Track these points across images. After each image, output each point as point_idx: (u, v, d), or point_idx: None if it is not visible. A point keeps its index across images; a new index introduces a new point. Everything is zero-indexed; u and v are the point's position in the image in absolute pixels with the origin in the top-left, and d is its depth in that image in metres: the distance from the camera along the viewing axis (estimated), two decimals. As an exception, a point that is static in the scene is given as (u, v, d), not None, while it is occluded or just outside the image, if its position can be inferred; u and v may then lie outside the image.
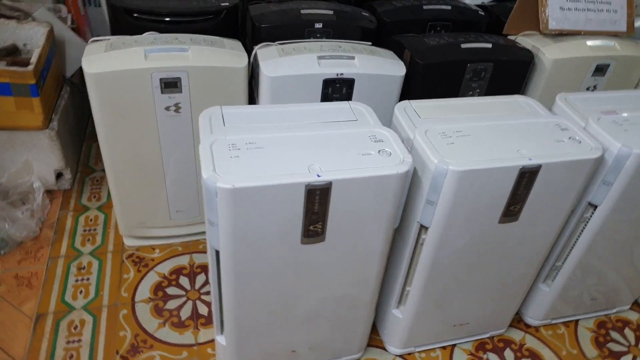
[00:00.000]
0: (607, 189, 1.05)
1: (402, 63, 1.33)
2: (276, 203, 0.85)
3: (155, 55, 1.17)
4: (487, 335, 1.35)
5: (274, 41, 1.33)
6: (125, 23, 1.36)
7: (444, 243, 1.02)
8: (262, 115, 1.02)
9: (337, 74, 1.24)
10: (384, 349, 1.30)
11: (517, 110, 1.13)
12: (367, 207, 0.91)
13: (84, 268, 1.41)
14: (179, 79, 1.19)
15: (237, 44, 1.32)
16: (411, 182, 0.96)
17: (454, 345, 1.33)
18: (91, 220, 1.58)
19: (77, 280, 1.37)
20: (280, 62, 1.23)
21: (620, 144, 0.99)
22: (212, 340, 1.26)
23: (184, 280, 1.41)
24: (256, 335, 1.09)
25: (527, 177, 0.94)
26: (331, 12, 1.45)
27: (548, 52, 1.41)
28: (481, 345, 1.33)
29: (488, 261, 1.11)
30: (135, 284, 1.38)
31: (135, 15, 1.36)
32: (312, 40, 1.36)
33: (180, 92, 1.21)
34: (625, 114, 1.10)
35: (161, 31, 1.32)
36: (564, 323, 1.41)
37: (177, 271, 1.43)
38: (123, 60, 1.16)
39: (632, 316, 1.45)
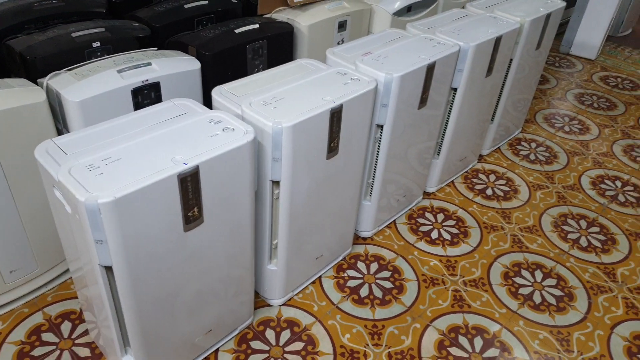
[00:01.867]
0: (386, 109, 1.39)
1: (194, 58, 1.45)
2: (155, 201, 0.93)
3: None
4: (341, 257, 1.63)
5: (51, 71, 1.30)
6: None
7: (294, 190, 1.23)
8: (97, 135, 1.05)
9: (143, 81, 1.30)
10: (269, 305, 1.46)
11: (305, 70, 1.37)
12: (230, 179, 1.05)
13: None
14: (-22, 128, 1.10)
15: (24, 81, 1.26)
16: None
17: (320, 276, 1.57)
18: None
19: None
20: (81, 85, 1.24)
21: (384, 73, 1.33)
22: (112, 373, 1.24)
23: (48, 336, 1.32)
24: (162, 337, 1.14)
25: (336, 116, 1.20)
26: (103, 29, 1.47)
27: (302, 21, 1.70)
28: (339, 267, 1.61)
29: (325, 194, 1.36)
30: (-4, 362, 1.24)
31: None
32: (99, 59, 1.38)
33: (-17, 142, 1.12)
34: (376, 52, 1.45)
35: None
36: (387, 226, 1.79)
37: (35, 331, 1.33)
38: None
39: (426, 202, 1.91)
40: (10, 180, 1.21)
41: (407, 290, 1.54)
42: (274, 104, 1.17)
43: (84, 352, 1.29)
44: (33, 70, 1.34)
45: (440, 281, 1.58)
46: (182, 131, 1.05)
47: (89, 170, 0.92)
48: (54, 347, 1.30)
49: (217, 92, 1.23)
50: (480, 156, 2.20)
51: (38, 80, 1.30)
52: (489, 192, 1.99)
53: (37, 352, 1.28)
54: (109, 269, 0.97)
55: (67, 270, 1.47)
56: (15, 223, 1.27)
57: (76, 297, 1.43)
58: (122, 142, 1.00)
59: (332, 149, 1.26)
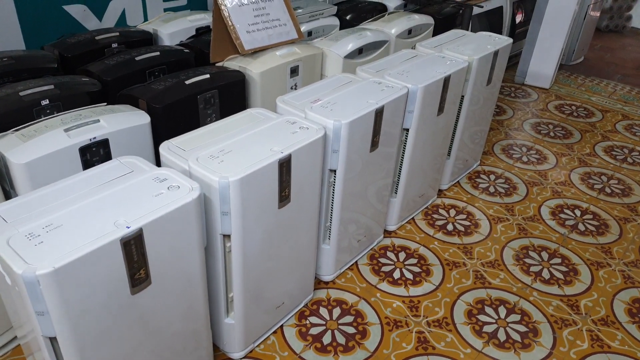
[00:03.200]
0: (337, 155, 1.41)
1: (143, 112, 1.45)
2: (98, 267, 0.91)
3: None
4: (303, 304, 1.61)
5: (2, 131, 1.29)
6: None
7: (246, 242, 1.22)
8: (38, 200, 1.03)
9: (90, 139, 1.29)
10: (229, 358, 1.43)
11: (254, 120, 1.39)
12: (176, 237, 1.04)
13: None
14: None
15: (-33, 144, 1.24)
16: (204, 203, 1.13)
17: (282, 325, 1.55)
18: None
19: None
20: (27, 146, 1.22)
21: (332, 120, 1.35)
22: None
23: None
24: (116, 403, 1.10)
25: (285, 165, 1.21)
26: (52, 86, 1.46)
27: (254, 68, 1.73)
28: (301, 315, 1.59)
29: (280, 243, 1.35)
30: None
31: None
32: (49, 117, 1.37)
33: None
34: (326, 99, 1.48)
35: None
36: (349, 268, 1.78)
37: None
38: None
39: (387, 241, 1.92)
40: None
41: (371, 335, 1.52)
42: (221, 157, 1.17)
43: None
44: (-21, 132, 1.32)
45: (403, 323, 1.57)
46: (126, 192, 1.04)
47: (28, 239, 0.90)
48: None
49: (164, 148, 1.23)
50: (440, 191, 2.23)
51: (-17, 142, 1.28)
52: (449, 227, 2.01)
53: None
54: (54, 339, 0.94)
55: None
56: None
57: (28, 363, 1.37)
58: (63, 207, 0.98)
59: (284, 197, 1.27)
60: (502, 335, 1.54)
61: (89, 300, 0.92)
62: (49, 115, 1.40)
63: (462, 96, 1.96)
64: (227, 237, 1.20)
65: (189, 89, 1.56)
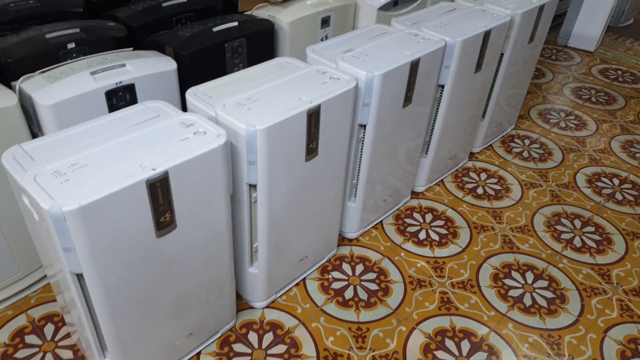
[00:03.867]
0: (368, 109, 1.36)
1: (170, 58, 1.42)
2: (123, 207, 0.91)
3: None
4: (326, 259, 1.61)
5: (25, 73, 1.28)
6: None
7: (272, 193, 1.20)
8: (65, 140, 1.03)
9: (117, 83, 1.28)
10: (252, 307, 1.44)
11: (283, 69, 1.35)
12: (202, 184, 1.02)
13: None
14: (-53, 134, 1.09)
15: (-4, 83, 1.24)
16: (231, 151, 1.11)
17: (304, 278, 1.55)
18: None
19: None
20: (53, 88, 1.21)
21: (364, 71, 1.30)
22: (91, 378, 1.23)
23: (31, 339, 1.31)
24: (139, 341, 1.12)
25: (313, 116, 1.17)
26: (78, 30, 1.44)
27: (283, 17, 1.67)
28: (324, 269, 1.58)
29: (308, 195, 1.33)
30: (-25, 368, 1.24)
31: None
32: (75, 60, 1.36)
33: (-46, 147, 1.11)
34: (358, 49, 1.42)
35: None
36: (373, 227, 1.76)
37: (19, 333, 1.32)
38: None
39: (414, 202, 1.89)
40: (-15, 184, 1.20)
41: (393, 293, 1.51)
42: (248, 105, 1.14)
43: (67, 354, 1.28)
44: (7, 73, 1.32)
45: (427, 283, 1.55)
46: (153, 135, 1.03)
47: (55, 177, 0.90)
48: (37, 349, 1.29)
49: (191, 94, 1.21)
50: (471, 154, 2.17)
51: (12, 83, 1.28)
52: (479, 191, 1.96)
53: (20, 354, 1.28)
54: (80, 276, 0.95)
55: (48, 274, 1.46)
56: (-7, 228, 1.26)
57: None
58: (90, 148, 0.98)
59: (311, 150, 1.24)
60: (527, 300, 1.51)
61: (115, 239, 0.92)
62: (74, 59, 1.39)
63: (502, 54, 1.86)
64: (253, 187, 1.19)
65: (217, 36, 1.52)
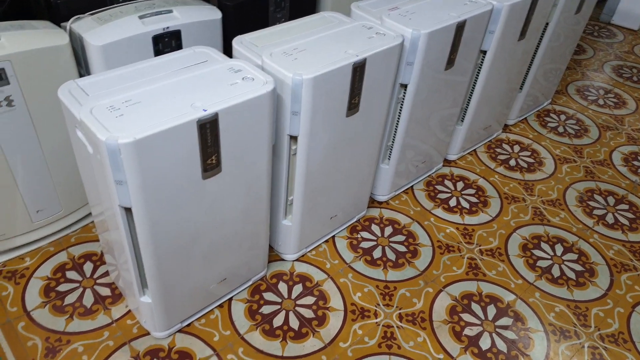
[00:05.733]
0: (411, 68, 1.35)
1: (215, 7, 1.43)
2: (174, 145, 0.93)
3: (-33, 50, 1.08)
4: (355, 219, 1.63)
5: (74, 15, 1.30)
6: None
7: (311, 146, 1.21)
8: (118, 78, 1.05)
9: (164, 29, 1.29)
10: (282, 259, 1.47)
11: (328, 23, 1.34)
12: (249, 129, 1.04)
13: (-50, 304, 1.26)
14: (3, 69, 1.11)
15: (48, 24, 1.26)
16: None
17: (333, 236, 1.57)
18: None
19: (-51, 318, 1.23)
20: (104, 30, 1.23)
21: (411, 29, 1.29)
22: (128, 313, 1.28)
23: (72, 274, 1.36)
24: (178, 281, 1.16)
25: (359, 70, 1.17)
26: (126, -26, 1.45)
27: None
28: (353, 229, 1.60)
29: (343, 153, 1.34)
30: (20, 296, 1.29)
31: None
32: (124, 4, 1.37)
33: (8, 83, 1.13)
34: (405, 7, 1.41)
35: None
36: (404, 191, 1.77)
37: (60, 269, 1.37)
38: None
39: (446, 170, 1.88)
40: (36, 121, 1.23)
41: (421, 255, 1.53)
42: (295, 55, 1.15)
43: (105, 291, 1.33)
44: (57, 13, 1.34)
45: (455, 248, 1.56)
46: (202, 78, 1.04)
47: (110, 111, 0.92)
48: (77, 284, 1.34)
49: (237, 42, 1.21)
50: (505, 126, 2.14)
51: (61, 24, 1.30)
52: (512, 162, 1.95)
53: (62, 287, 1.33)
54: (128, 211, 0.98)
55: (89, 214, 1.50)
56: (41, 164, 1.30)
57: (97, 241, 1.46)
58: (142, 86, 1.00)
59: (353, 105, 1.24)
60: (556, 272, 1.51)
61: (164, 176, 0.95)
62: (121, 3, 1.40)
63: (546, 24, 1.82)
64: (293, 139, 1.20)
65: (263, -12, 1.52)
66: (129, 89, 0.99)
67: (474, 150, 1.99)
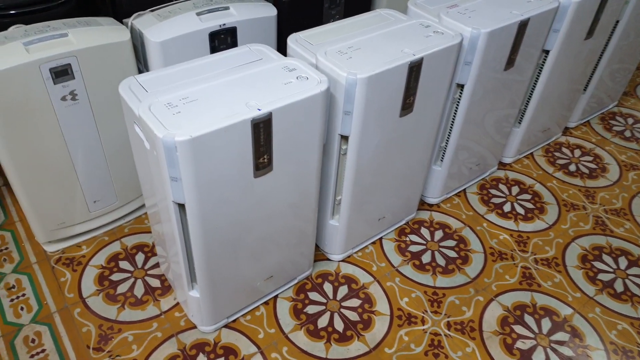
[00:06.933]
0: (469, 68, 1.31)
1: (271, 4, 1.42)
2: (228, 144, 0.93)
3: (37, 47, 1.12)
4: (404, 221, 1.59)
5: (136, 11, 1.33)
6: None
7: (362, 147, 1.19)
8: (175, 75, 1.06)
9: (220, 25, 1.30)
10: (328, 259, 1.46)
11: (384, 21, 1.31)
12: (301, 129, 1.03)
13: (13, 287, 1.32)
14: (69, 65, 1.15)
15: (111, 20, 1.29)
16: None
17: (381, 238, 1.54)
18: (-5, 242, 1.46)
19: (12, 300, 1.29)
20: (163, 26, 1.25)
21: (470, 28, 1.24)
22: (176, 305, 1.31)
23: (124, 264, 1.40)
24: (226, 277, 1.17)
25: (414, 70, 1.14)
26: (186, -30, 1.47)
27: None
28: (401, 231, 1.57)
29: (394, 154, 1.31)
30: (77, 283, 1.34)
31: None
32: (181, 0, 1.39)
33: (73, 78, 1.18)
34: (464, 5, 1.35)
35: (25, 23, 1.24)
36: (456, 194, 1.71)
37: (114, 258, 1.42)
38: (3, 58, 1.08)
39: (500, 173, 1.81)
40: (97, 115, 1.27)
41: (473, 262, 1.48)
42: (349, 54, 1.13)
43: (155, 282, 1.36)
44: (120, 9, 1.38)
45: (509, 256, 1.50)
46: (257, 77, 1.04)
47: (167, 108, 0.94)
48: (129, 274, 1.38)
49: (292, 40, 1.20)
50: (566, 129, 2.04)
51: (123, 20, 1.33)
52: (572, 167, 1.85)
53: (115, 277, 1.37)
54: (181, 207, 0.99)
55: (142, 206, 1.54)
56: (100, 157, 1.34)
57: (149, 232, 1.50)
58: (199, 84, 1.01)
59: (407, 106, 1.21)
60: (619, 286, 1.42)
61: (218, 173, 0.95)
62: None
63: (617, 22, 1.71)
64: (344, 138, 1.18)
65: (318, -15, 1.51)
66: (186, 86, 1.00)
67: (531, 153, 1.90)
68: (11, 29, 1.19)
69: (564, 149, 1.94)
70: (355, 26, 1.29)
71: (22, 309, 1.28)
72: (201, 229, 1.02)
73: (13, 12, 1.30)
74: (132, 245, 1.46)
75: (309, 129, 1.05)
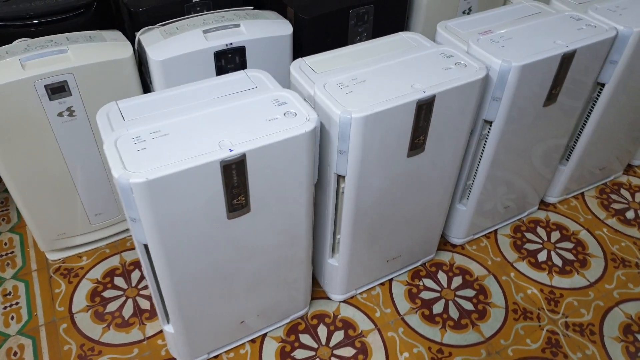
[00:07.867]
0: (497, 104, 1.14)
1: (287, 22, 1.33)
2: (194, 186, 0.85)
3: (33, 63, 1.10)
4: (420, 262, 1.45)
5: (154, 24, 1.28)
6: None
7: (362, 187, 1.07)
8: (159, 101, 1.00)
9: (227, 45, 1.22)
10: (328, 298, 1.36)
11: (403, 47, 1.18)
12: (283, 169, 0.93)
13: (9, 294, 1.34)
14: (65, 82, 1.12)
15: (118, 34, 1.26)
16: (321, 135, 1.00)
17: (391, 279, 1.41)
18: (5, 244, 1.48)
19: (5, 308, 1.31)
20: (166, 43, 1.19)
21: (500, 60, 1.08)
22: (161, 331, 1.26)
23: (119, 281, 1.38)
24: (202, 316, 1.10)
25: (424, 108, 1.00)
26: (205, -17, 1.41)
27: (423, -15, 1.47)
28: (416, 273, 1.43)
29: (405, 194, 1.18)
30: (69, 296, 1.33)
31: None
32: (193, 15, 1.32)
33: (70, 94, 1.15)
34: (499, 31, 1.19)
35: (33, 36, 1.22)
36: (485, 235, 1.54)
37: (110, 273, 1.40)
38: (-2, 73, 1.08)
39: (541, 215, 1.62)
40: (96, 131, 1.24)
41: (490, 318, 1.32)
42: (351, 87, 1.01)
43: (145, 304, 1.33)
44: (137, 22, 1.33)
45: (534, 316, 1.32)
46: (242, 110, 0.95)
47: (134, 142, 0.87)
48: (122, 292, 1.35)
49: (295, 67, 1.10)
50: (629, 166, 1.79)
51: (135, 33, 1.29)
52: (629, 214, 1.61)
53: (107, 293, 1.35)
54: (146, 246, 0.93)
55: (148, 221, 1.51)
56: (100, 171, 1.32)
57: (151, 249, 1.47)
58: (177, 115, 0.93)
59: (416, 145, 1.07)
60: (662, 369, 1.22)
61: (183, 215, 0.88)
62: (199, 12, 1.36)
63: (697, 51, 1.46)
64: (341, 177, 1.07)
65: (342, 1, 1.38)
66: (163, 117, 0.93)
67: (582, 193, 1.68)
68: (15, 42, 1.18)
69: (623, 191, 1.70)
70: (371, 51, 1.16)
71: (12, 318, 1.28)
72: (167, 270, 0.95)
73: (35, 21, 1.30)
74: (131, 261, 1.43)
75: (294, 169, 0.95)
